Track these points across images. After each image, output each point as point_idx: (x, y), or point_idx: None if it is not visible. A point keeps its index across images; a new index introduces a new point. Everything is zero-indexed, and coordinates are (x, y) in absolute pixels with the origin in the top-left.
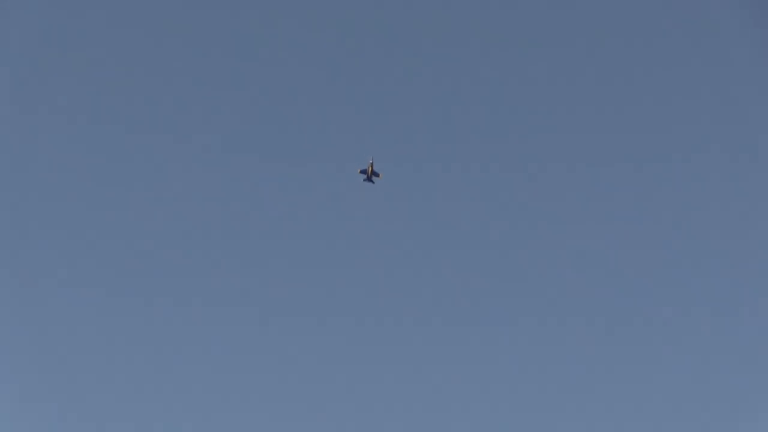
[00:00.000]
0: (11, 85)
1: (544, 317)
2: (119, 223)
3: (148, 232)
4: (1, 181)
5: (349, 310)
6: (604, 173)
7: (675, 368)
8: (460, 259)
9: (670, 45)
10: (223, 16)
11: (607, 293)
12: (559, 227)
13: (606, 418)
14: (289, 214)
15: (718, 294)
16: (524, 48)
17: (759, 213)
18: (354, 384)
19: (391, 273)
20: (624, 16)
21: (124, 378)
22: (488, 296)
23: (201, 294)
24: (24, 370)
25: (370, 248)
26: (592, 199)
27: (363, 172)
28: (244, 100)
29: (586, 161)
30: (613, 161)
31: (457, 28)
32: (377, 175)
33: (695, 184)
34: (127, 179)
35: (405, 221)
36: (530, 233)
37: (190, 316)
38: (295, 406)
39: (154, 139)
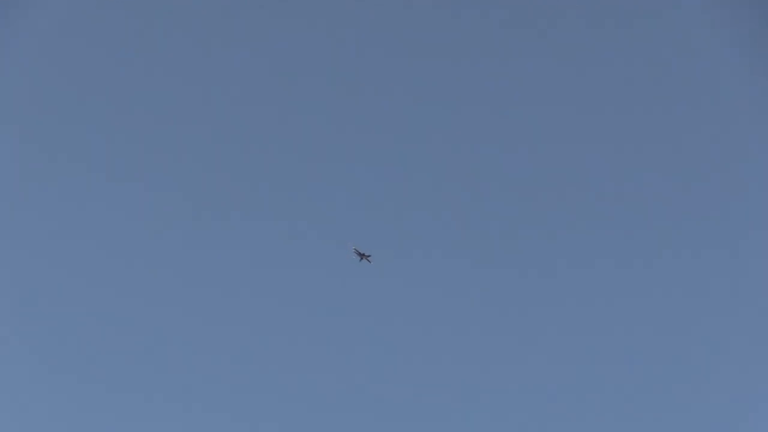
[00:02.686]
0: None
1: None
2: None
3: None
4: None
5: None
6: (604, 172)
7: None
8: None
9: (670, 44)
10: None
11: (608, 293)
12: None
13: (607, 417)
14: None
15: (718, 293)
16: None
17: (758, 213)
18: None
19: (391, 272)
20: (624, 16)
21: (124, 379)
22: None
23: (203, 296)
24: (24, 370)
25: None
26: (595, 199)
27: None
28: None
29: (585, 161)
30: (613, 161)
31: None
32: (367, 258)
33: (694, 184)
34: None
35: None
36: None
37: (192, 319)
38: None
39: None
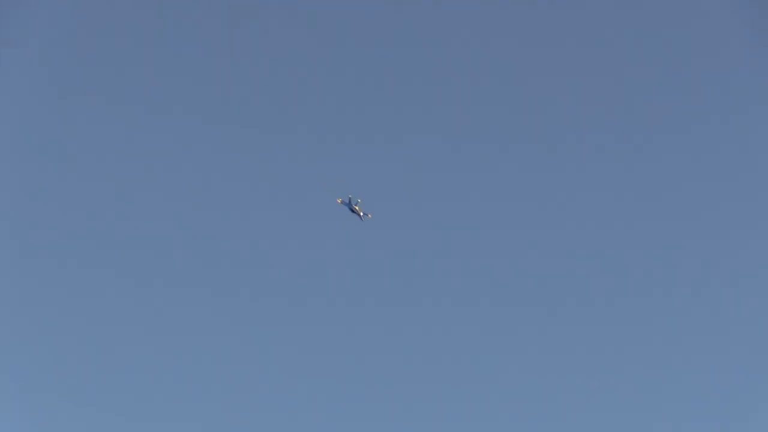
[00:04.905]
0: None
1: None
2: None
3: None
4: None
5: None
6: (600, 172)
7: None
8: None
9: (670, 44)
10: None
11: (606, 293)
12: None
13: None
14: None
15: (717, 294)
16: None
17: (757, 213)
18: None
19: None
20: (623, 15)
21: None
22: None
23: (202, 294)
24: (25, 371)
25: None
26: (592, 198)
27: (345, 204)
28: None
29: (583, 161)
30: (612, 160)
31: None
32: (366, 215)
33: (694, 184)
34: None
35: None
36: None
37: (192, 315)
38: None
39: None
